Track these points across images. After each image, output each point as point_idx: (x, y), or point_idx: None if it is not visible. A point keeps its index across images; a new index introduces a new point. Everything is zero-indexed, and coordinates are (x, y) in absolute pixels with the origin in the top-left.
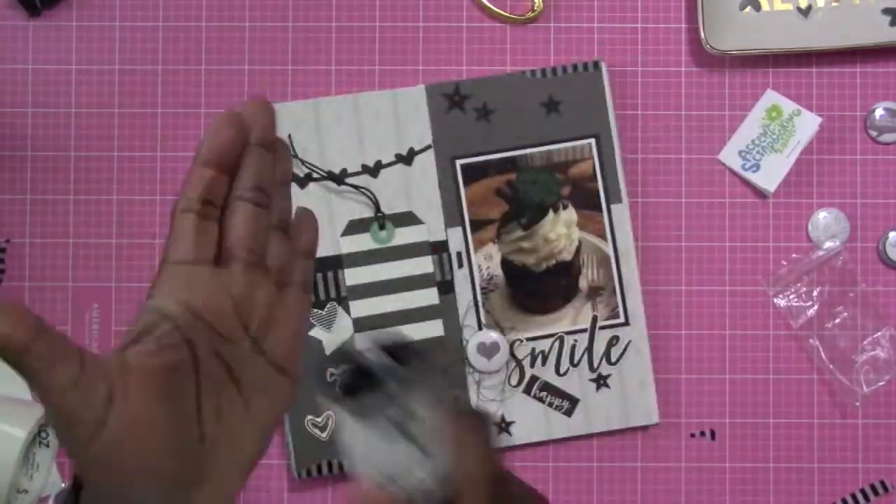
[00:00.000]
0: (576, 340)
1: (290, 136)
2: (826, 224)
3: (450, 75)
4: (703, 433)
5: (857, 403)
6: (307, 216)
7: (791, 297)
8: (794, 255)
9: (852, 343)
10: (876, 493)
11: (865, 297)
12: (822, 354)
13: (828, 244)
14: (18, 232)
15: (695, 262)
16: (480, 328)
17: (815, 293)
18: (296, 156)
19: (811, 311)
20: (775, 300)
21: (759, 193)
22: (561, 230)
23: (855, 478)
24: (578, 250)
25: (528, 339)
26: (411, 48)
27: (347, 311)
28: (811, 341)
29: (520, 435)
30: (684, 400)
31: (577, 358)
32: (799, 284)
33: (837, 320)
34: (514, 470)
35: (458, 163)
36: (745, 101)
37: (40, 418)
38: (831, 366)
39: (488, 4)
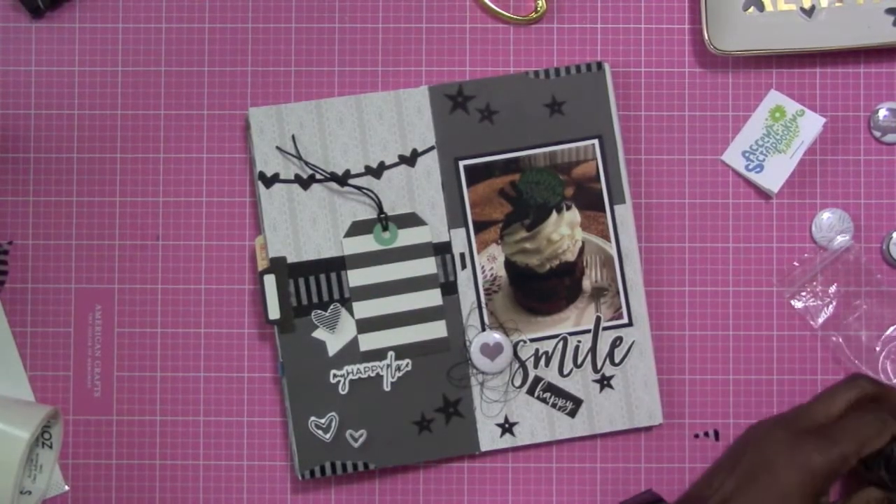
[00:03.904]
0: (579, 341)
1: (293, 137)
2: (830, 224)
3: (453, 76)
4: (707, 434)
5: None
6: None
7: (808, 297)
8: (805, 255)
9: (876, 335)
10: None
11: (880, 275)
12: (847, 351)
13: (839, 238)
14: (21, 234)
15: (698, 263)
16: (484, 329)
17: (831, 290)
18: (299, 157)
19: (830, 309)
20: (792, 302)
21: (763, 194)
22: (564, 231)
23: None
24: (582, 251)
25: (532, 340)
26: (414, 49)
27: (351, 312)
28: (834, 339)
29: (523, 436)
30: (688, 400)
31: (580, 359)
32: (815, 283)
33: (857, 314)
34: (518, 472)
35: (462, 164)
36: (749, 101)
37: (43, 419)
38: (856, 361)
39: (491, 5)
